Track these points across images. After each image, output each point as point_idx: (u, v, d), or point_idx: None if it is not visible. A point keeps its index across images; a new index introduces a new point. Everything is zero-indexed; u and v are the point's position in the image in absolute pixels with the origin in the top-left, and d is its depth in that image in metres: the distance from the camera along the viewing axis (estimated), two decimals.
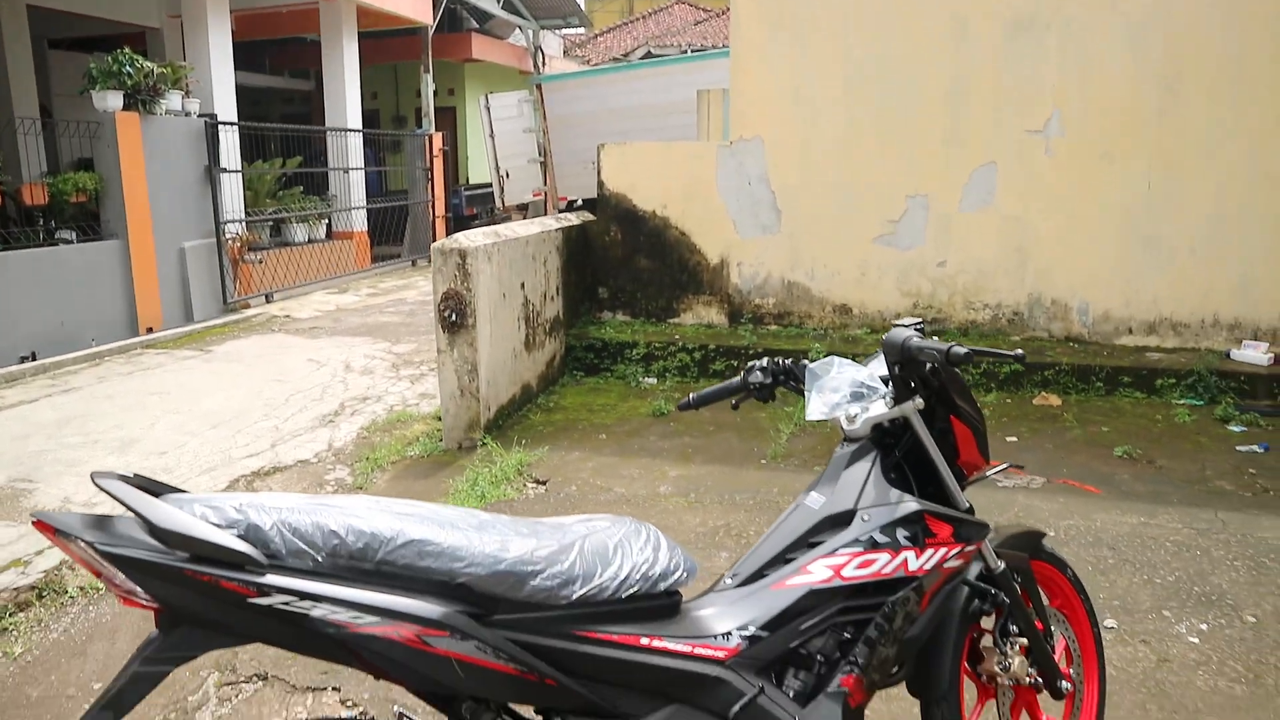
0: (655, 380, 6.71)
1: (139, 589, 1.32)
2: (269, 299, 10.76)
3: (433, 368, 7.25)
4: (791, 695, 1.79)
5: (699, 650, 1.67)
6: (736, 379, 2.17)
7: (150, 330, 8.96)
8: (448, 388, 5.33)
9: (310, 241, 12.28)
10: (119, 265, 8.73)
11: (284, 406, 6.29)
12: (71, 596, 3.69)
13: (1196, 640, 3.16)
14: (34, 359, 7.61)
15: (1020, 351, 1.88)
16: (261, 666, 3.11)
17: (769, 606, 1.77)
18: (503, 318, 5.64)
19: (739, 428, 5.66)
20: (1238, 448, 5.04)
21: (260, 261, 10.87)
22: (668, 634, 1.64)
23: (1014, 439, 5.31)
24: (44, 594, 3.69)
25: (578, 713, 1.58)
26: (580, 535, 1.61)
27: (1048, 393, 6.07)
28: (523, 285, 5.97)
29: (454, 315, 5.19)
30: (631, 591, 1.60)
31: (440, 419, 5.52)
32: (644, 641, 1.61)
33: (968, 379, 6.17)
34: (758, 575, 1.87)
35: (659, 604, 1.65)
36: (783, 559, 1.88)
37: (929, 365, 1.90)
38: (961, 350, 1.77)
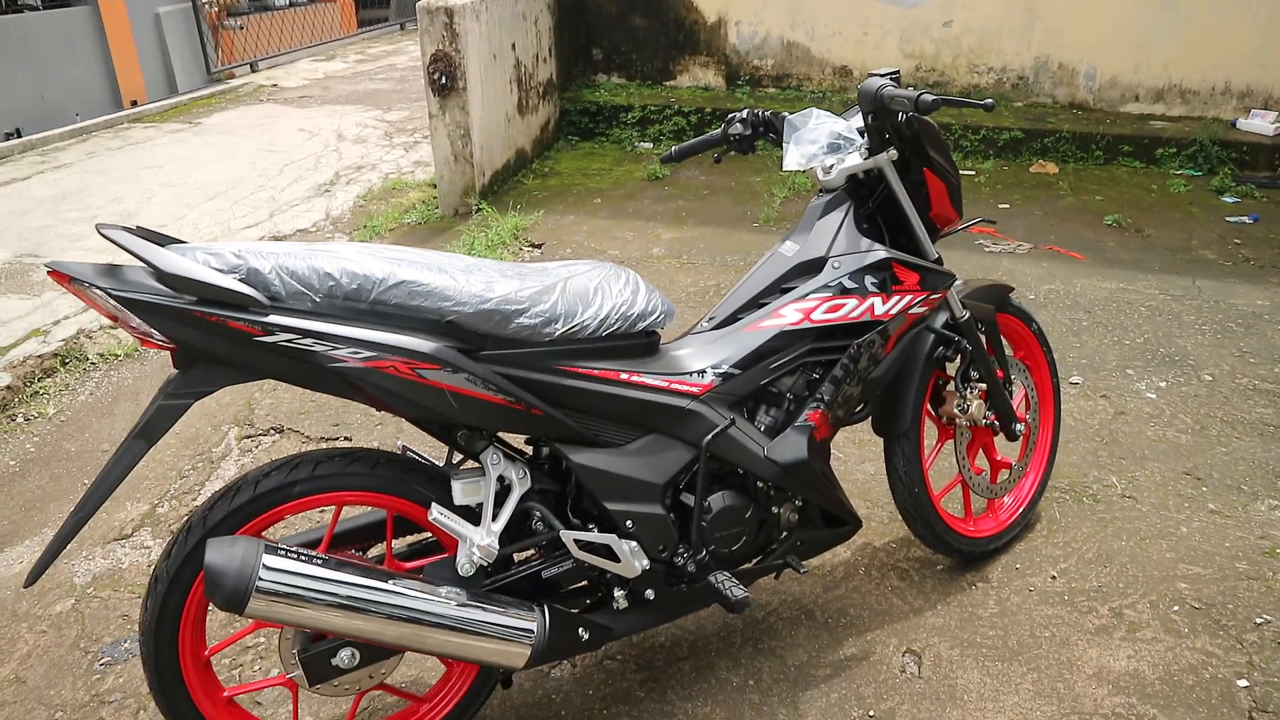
0: (651, 144, 6.65)
1: (153, 330, 1.43)
2: (254, 68, 10.41)
3: (427, 135, 7.14)
4: (762, 429, 1.96)
5: (675, 385, 1.81)
6: (717, 131, 2.20)
7: (135, 104, 8.74)
8: (441, 153, 5.31)
9: (291, 5, 11.69)
10: (93, 34, 8.39)
11: (279, 177, 6.27)
12: (93, 363, 3.87)
13: (1154, 396, 3.35)
14: (19, 135, 7.48)
15: (990, 101, 1.90)
16: (278, 420, 3.33)
17: (742, 347, 1.90)
18: (494, 80, 5.52)
19: (733, 192, 5.68)
20: (1228, 218, 5.08)
21: (241, 28, 10.42)
22: (646, 370, 1.78)
23: (1006, 206, 5.34)
24: (67, 361, 3.86)
25: (563, 440, 1.74)
26: (562, 277, 1.70)
27: (1045, 160, 6.03)
28: (514, 46, 5.79)
29: (444, 78, 5.08)
30: (611, 330, 1.72)
31: (435, 186, 5.54)
32: (623, 376, 1.74)
33: (969, 143, 6.11)
34: (732, 319, 1.99)
35: (637, 343, 1.78)
36: (756, 304, 2.00)
37: (901, 115, 1.92)
38: (929, 98, 1.80)
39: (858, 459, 2.99)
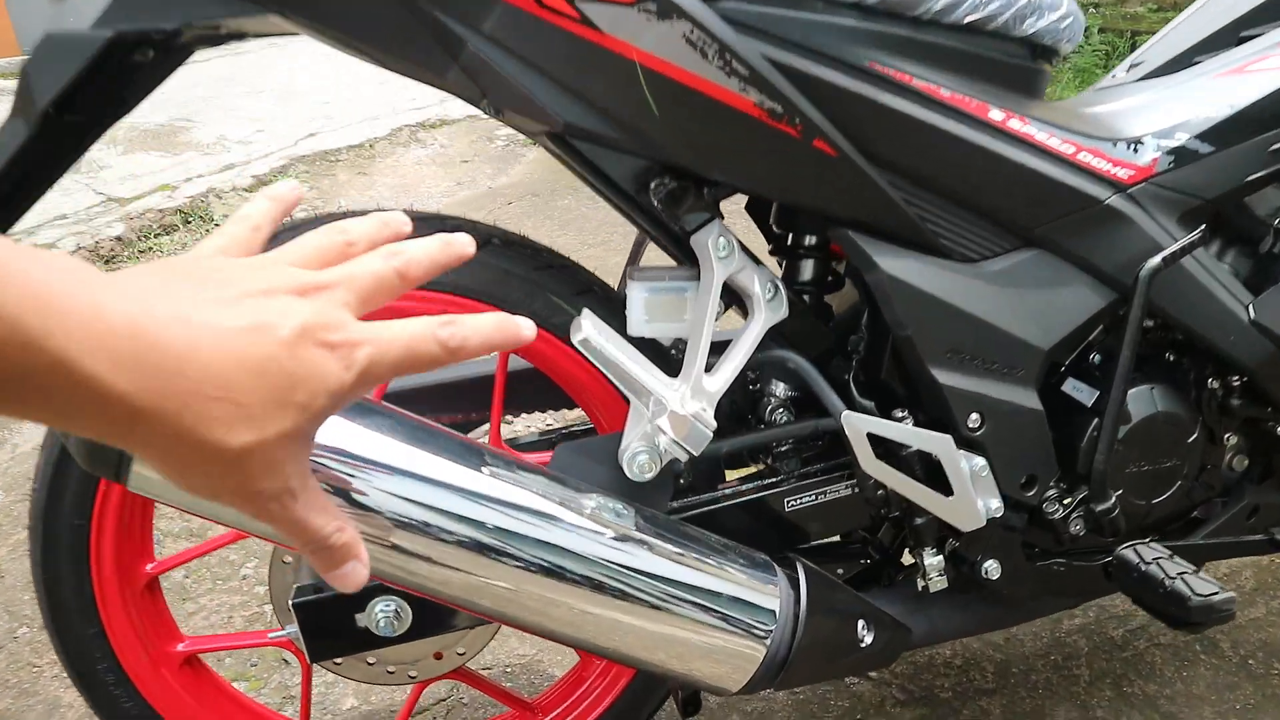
0: None
1: None
2: None
3: None
4: (1238, 276, 0.99)
5: (1083, 157, 0.87)
6: None
7: None
8: None
9: None
10: None
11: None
12: (216, 224, 3.39)
13: None
14: None
15: None
16: None
17: (1215, 104, 0.92)
18: None
19: None
20: None
21: None
22: (1033, 116, 0.85)
23: None
24: (190, 219, 3.43)
25: (862, 228, 0.83)
26: None
27: None
28: None
29: None
30: (973, 18, 0.80)
31: None
32: (993, 116, 0.82)
33: None
34: (1180, 62, 1.03)
35: (1017, 62, 0.84)
36: (1226, 39, 1.03)
37: None
38: None
39: None
